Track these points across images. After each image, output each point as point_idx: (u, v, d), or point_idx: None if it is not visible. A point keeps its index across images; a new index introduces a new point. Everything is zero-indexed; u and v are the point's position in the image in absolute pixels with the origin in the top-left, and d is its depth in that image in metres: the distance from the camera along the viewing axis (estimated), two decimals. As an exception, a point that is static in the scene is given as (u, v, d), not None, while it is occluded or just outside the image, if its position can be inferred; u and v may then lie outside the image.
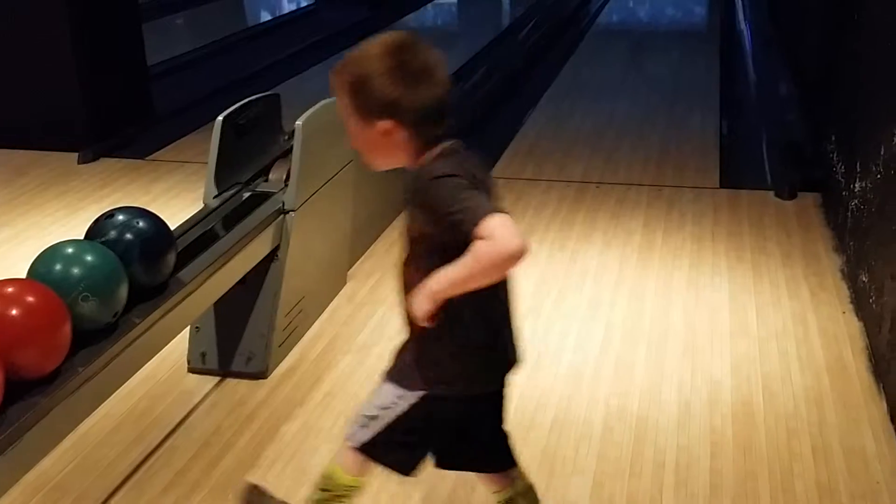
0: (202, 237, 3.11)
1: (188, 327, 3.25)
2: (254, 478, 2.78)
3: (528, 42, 9.55)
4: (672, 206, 4.88)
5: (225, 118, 3.34)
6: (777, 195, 4.95)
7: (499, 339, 2.03)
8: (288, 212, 3.37)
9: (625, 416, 3.07)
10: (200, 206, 3.40)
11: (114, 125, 6.10)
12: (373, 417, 2.06)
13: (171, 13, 11.07)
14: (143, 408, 3.17)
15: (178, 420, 3.11)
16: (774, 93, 6.99)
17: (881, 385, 3.17)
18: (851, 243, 3.99)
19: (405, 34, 1.88)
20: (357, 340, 3.59)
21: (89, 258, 2.39)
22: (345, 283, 4.03)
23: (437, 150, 1.88)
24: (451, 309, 1.85)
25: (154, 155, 5.91)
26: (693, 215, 4.74)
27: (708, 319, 3.68)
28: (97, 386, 2.39)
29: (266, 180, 3.54)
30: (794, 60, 7.24)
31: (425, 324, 1.87)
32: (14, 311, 2.14)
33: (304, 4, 12.52)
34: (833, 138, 4.72)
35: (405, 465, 2.12)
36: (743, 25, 9.79)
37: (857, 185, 3.96)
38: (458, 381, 1.98)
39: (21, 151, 5.90)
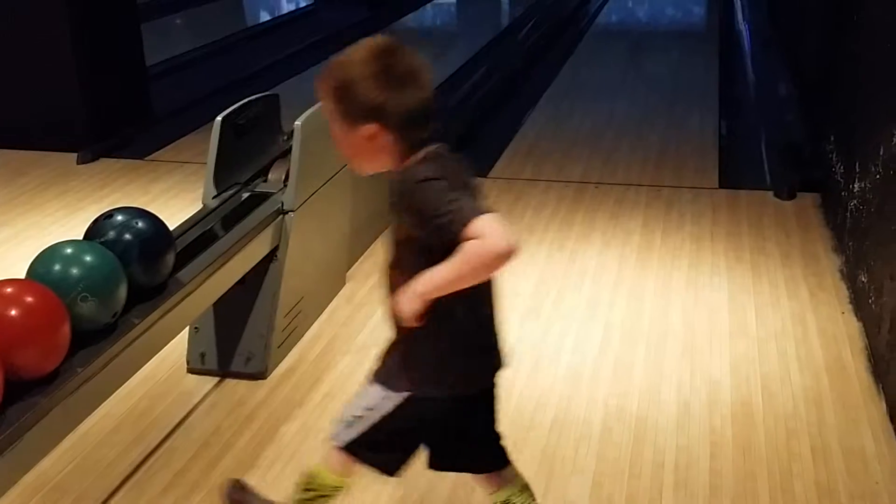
0: (201, 237, 3.11)
1: (187, 328, 3.25)
2: (252, 478, 2.78)
3: (527, 42, 9.55)
4: (671, 206, 4.88)
5: (224, 118, 3.34)
6: (776, 195, 4.95)
7: (484, 341, 2.04)
8: (287, 212, 3.37)
9: (624, 417, 3.07)
10: (199, 206, 3.40)
11: (113, 125, 6.10)
12: (358, 417, 2.07)
13: (171, 13, 11.07)
14: (142, 408, 3.17)
15: (177, 420, 3.11)
16: (773, 93, 6.99)
17: (880, 385, 3.17)
18: (850, 243, 3.99)
19: (388, 39, 1.90)
20: (356, 341, 3.59)
21: (88, 258, 2.39)
22: (344, 283, 4.03)
23: (421, 153, 1.89)
24: (438, 310, 1.86)
25: (153, 155, 5.91)
26: (692, 215, 4.74)
27: (707, 320, 3.69)
28: (96, 386, 2.39)
29: (265, 181, 3.54)
30: (793, 61, 7.24)
31: (412, 324, 1.87)
32: (13, 312, 2.14)
33: (303, 5, 12.53)
34: (832, 139, 4.72)
35: (390, 466, 2.14)
36: (742, 26, 9.80)
37: (856, 186, 3.96)
38: (443, 383, 1.99)
39: (21, 152, 5.90)
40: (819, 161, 4.98)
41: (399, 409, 2.01)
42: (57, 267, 2.35)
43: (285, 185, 3.42)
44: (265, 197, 3.42)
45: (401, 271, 1.92)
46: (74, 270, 2.35)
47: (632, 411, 3.10)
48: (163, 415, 3.14)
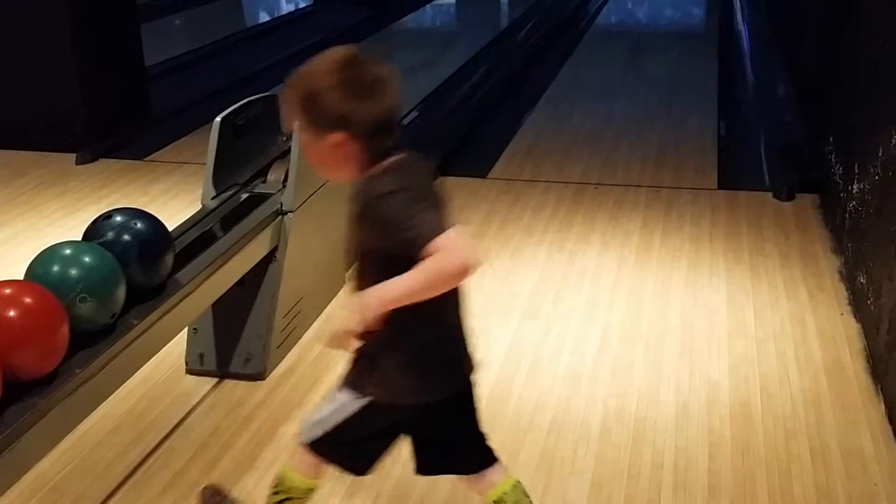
0: (200, 238, 3.11)
1: (186, 328, 3.25)
2: (251, 479, 2.78)
3: (526, 43, 9.55)
4: (670, 207, 4.88)
5: (223, 119, 3.34)
6: (775, 196, 4.95)
7: (448, 350, 2.05)
8: (286, 213, 3.37)
9: (623, 418, 3.07)
10: (199, 206, 3.40)
11: (113, 126, 6.10)
12: (324, 418, 2.09)
13: (170, 14, 11.07)
14: (141, 409, 3.17)
15: (176, 421, 3.11)
16: (773, 94, 6.99)
17: (879, 386, 3.17)
18: (849, 244, 3.99)
19: (353, 48, 1.91)
20: (355, 342, 3.58)
21: (87, 259, 2.39)
22: (343, 284, 4.02)
23: (387, 162, 1.90)
24: (401, 320, 1.87)
25: (152, 156, 5.91)
26: (691, 216, 4.74)
27: (706, 320, 3.69)
28: (95, 387, 2.39)
29: (264, 181, 3.54)
30: (792, 62, 7.24)
31: (369, 330, 1.88)
32: (12, 313, 2.14)
33: (302, 5, 12.53)
34: (831, 139, 4.72)
35: (356, 466, 2.17)
36: (741, 26, 9.80)
37: (855, 187, 3.96)
38: (403, 391, 2.01)
39: (20, 152, 5.90)
40: (818, 162, 4.98)
41: (363, 413, 2.04)
42: (56, 268, 2.35)
43: (284, 186, 3.42)
44: (264, 197, 3.43)
45: (365, 280, 1.93)
46: (73, 271, 2.35)
47: (631, 412, 3.10)
48: (161, 415, 3.14)
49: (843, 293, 3.87)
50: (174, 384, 3.32)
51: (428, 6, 12.13)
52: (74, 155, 5.74)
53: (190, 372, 3.37)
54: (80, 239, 2.57)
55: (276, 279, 3.34)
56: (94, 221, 2.61)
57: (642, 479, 2.77)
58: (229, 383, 3.31)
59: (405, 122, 6.65)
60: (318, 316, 3.74)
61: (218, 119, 3.34)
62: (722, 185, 5.19)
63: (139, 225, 2.60)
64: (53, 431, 2.30)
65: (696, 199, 4.98)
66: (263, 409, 3.16)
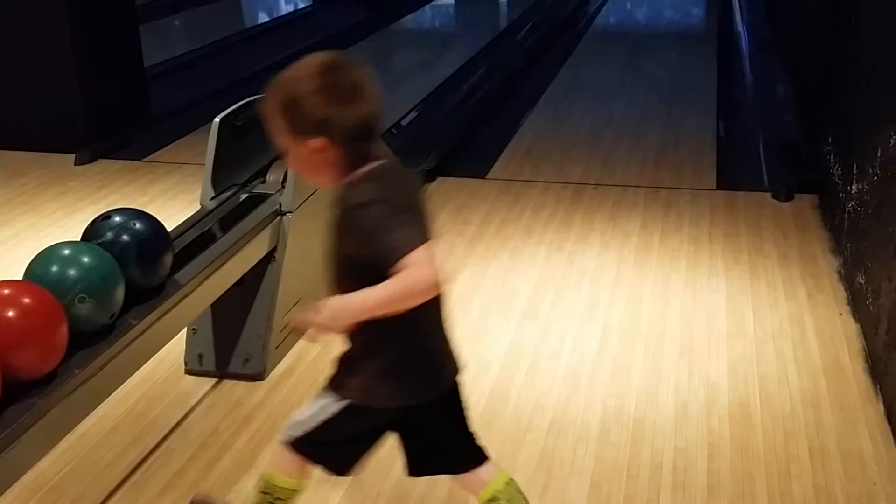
0: (199, 238, 3.11)
1: (185, 329, 3.25)
2: (250, 479, 2.78)
3: (526, 43, 9.56)
4: (669, 207, 4.88)
5: (222, 119, 3.34)
6: (774, 197, 4.95)
7: (429, 356, 2.06)
8: (285, 213, 3.37)
9: (622, 418, 3.07)
10: (198, 207, 3.40)
11: (112, 126, 6.10)
12: (306, 418, 2.11)
13: (170, 14, 11.07)
14: (140, 409, 3.17)
15: (175, 421, 3.11)
16: (772, 94, 7.00)
17: (878, 387, 3.17)
18: (848, 245, 4.00)
19: (333, 54, 1.93)
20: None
21: (86, 260, 2.39)
22: (342, 284, 4.02)
23: (367, 168, 1.92)
24: (380, 327, 1.88)
25: (151, 156, 5.91)
26: (690, 217, 4.75)
27: (705, 321, 3.69)
28: (94, 387, 2.39)
29: (263, 182, 3.54)
30: (791, 62, 7.25)
31: (336, 334, 1.91)
32: (10, 313, 2.14)
33: (301, 6, 12.53)
34: (830, 140, 4.72)
35: (338, 466, 2.19)
36: (740, 27, 9.80)
37: (853, 187, 3.96)
38: (382, 396, 2.03)
39: (20, 152, 5.90)
40: (817, 162, 4.98)
41: (342, 414, 2.05)
42: (55, 268, 2.35)
43: (283, 186, 3.42)
44: (263, 198, 3.42)
45: (341, 285, 1.95)
46: (72, 271, 2.35)
47: (630, 412, 3.10)
48: (161, 416, 3.14)
49: (842, 293, 3.87)
50: (173, 384, 3.32)
51: (427, 7, 12.13)
52: (74, 155, 5.75)
53: (189, 372, 3.37)
54: (79, 239, 2.57)
55: (276, 279, 3.34)
56: (93, 222, 2.61)
57: (641, 480, 2.77)
58: (228, 383, 3.32)
59: (405, 122, 6.67)
60: (317, 316, 3.74)
61: (217, 119, 3.34)
62: (721, 186, 5.19)
63: (138, 225, 2.60)
64: (52, 432, 2.30)
65: (695, 199, 4.99)
66: (262, 410, 3.16)
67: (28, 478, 2.60)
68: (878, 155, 3.54)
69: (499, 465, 2.24)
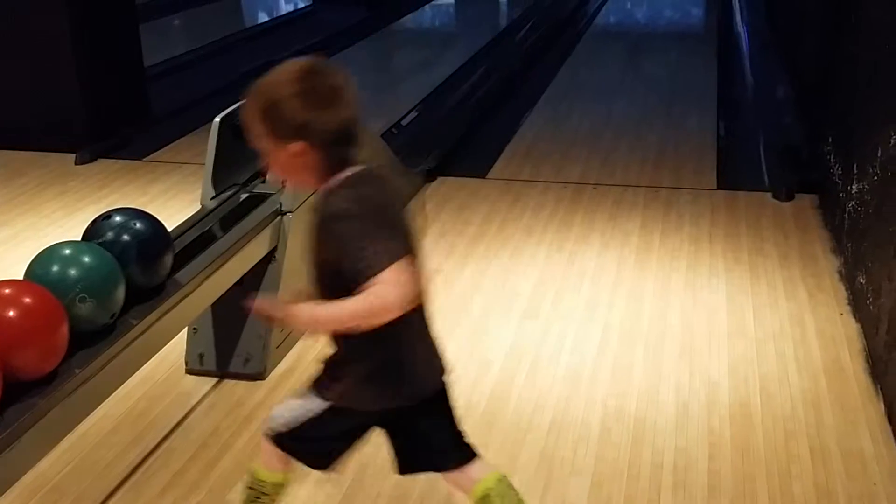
0: (200, 238, 3.11)
1: (186, 328, 3.25)
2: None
3: (525, 43, 9.56)
4: (669, 207, 4.88)
5: (222, 119, 3.34)
6: (774, 197, 4.95)
7: (411, 363, 2.06)
8: (285, 213, 3.37)
9: (623, 418, 3.07)
10: (198, 207, 3.40)
11: (112, 126, 6.10)
12: (289, 413, 2.14)
13: (169, 14, 11.07)
14: (140, 409, 3.17)
15: (175, 421, 3.11)
16: (772, 95, 7.00)
17: (878, 386, 3.17)
18: (849, 245, 4.00)
19: (313, 59, 1.94)
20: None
21: (86, 259, 2.39)
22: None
23: (346, 172, 1.93)
24: (362, 334, 1.90)
25: (152, 156, 5.91)
26: (690, 217, 4.74)
27: (705, 321, 3.69)
28: (95, 387, 2.39)
29: (263, 181, 3.54)
30: (791, 62, 7.25)
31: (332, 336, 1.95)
32: (11, 313, 2.14)
33: (301, 5, 12.53)
34: (830, 140, 4.72)
35: (318, 462, 2.20)
36: (740, 27, 9.80)
37: (854, 187, 3.96)
38: (362, 400, 2.05)
39: (20, 152, 5.90)
40: (817, 162, 4.98)
41: (325, 414, 2.08)
42: (55, 268, 2.35)
43: (283, 186, 3.42)
44: (264, 198, 3.42)
45: (318, 288, 1.98)
46: (73, 271, 2.35)
47: (630, 412, 3.10)
48: (161, 416, 3.14)
49: (843, 293, 3.87)
50: (174, 384, 3.32)
51: (427, 6, 12.13)
52: (74, 155, 5.75)
53: (190, 372, 3.37)
54: (79, 239, 2.57)
55: (276, 279, 3.34)
56: (94, 221, 2.61)
57: (642, 480, 2.77)
58: (229, 383, 3.31)
59: (405, 122, 6.67)
60: (317, 316, 3.74)
61: (217, 119, 3.34)
62: (721, 186, 5.19)
63: (138, 225, 2.60)
64: (53, 431, 2.30)
65: (695, 199, 4.99)
66: (263, 409, 3.16)
67: (29, 477, 2.60)
68: (879, 155, 3.54)
69: (489, 463, 2.23)
